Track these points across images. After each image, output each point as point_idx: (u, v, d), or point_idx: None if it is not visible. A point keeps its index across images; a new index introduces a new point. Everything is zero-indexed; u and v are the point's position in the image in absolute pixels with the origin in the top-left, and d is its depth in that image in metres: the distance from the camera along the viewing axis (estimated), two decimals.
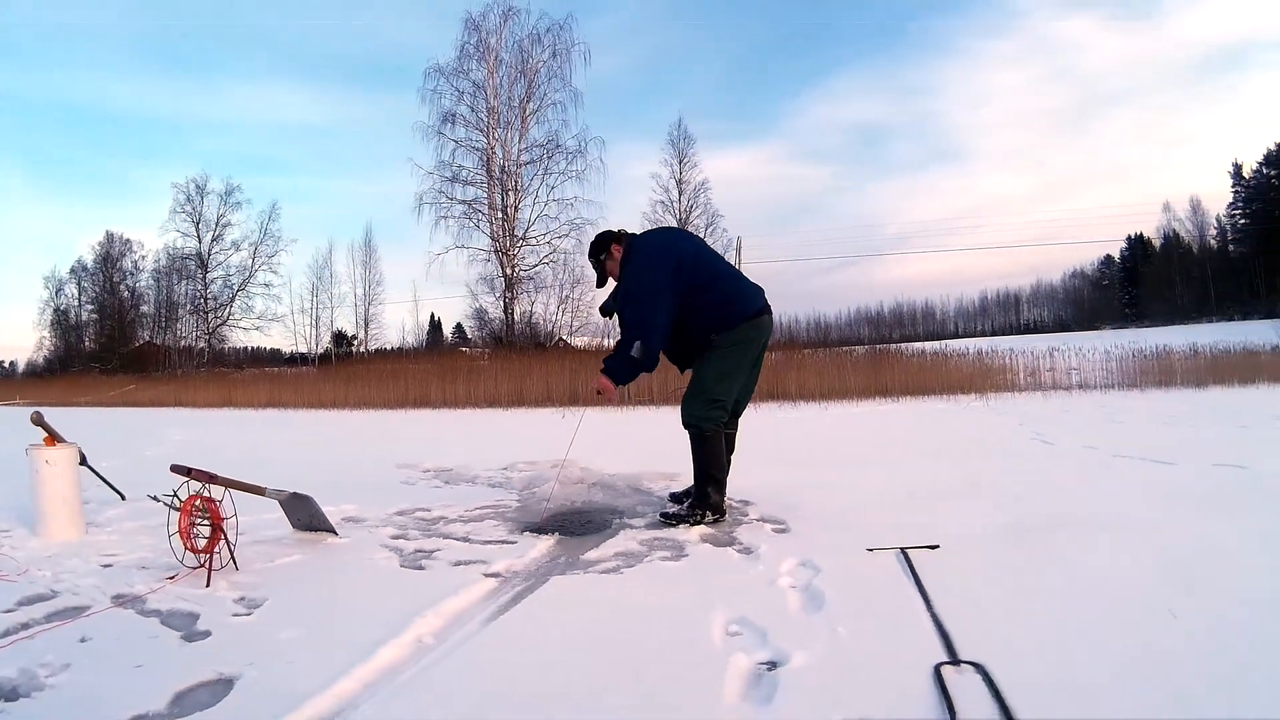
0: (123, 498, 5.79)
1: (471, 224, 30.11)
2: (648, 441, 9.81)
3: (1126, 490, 5.61)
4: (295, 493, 4.57)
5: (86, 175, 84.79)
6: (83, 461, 5.14)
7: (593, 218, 30.01)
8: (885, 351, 21.57)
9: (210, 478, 4.04)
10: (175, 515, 3.88)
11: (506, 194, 29.83)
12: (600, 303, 5.30)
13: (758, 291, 4.98)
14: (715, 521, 4.78)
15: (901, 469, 6.98)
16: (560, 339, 30.83)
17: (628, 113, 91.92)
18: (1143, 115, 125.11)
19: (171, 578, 3.79)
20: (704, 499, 4.82)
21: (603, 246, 5.12)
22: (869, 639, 2.81)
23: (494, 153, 29.95)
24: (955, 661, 2.55)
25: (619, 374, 4.84)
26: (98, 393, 29.73)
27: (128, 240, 51.89)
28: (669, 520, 4.82)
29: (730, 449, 5.12)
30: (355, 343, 50.47)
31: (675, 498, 5.26)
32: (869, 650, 2.70)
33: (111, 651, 2.87)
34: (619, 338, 4.85)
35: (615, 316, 5.06)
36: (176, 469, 4.05)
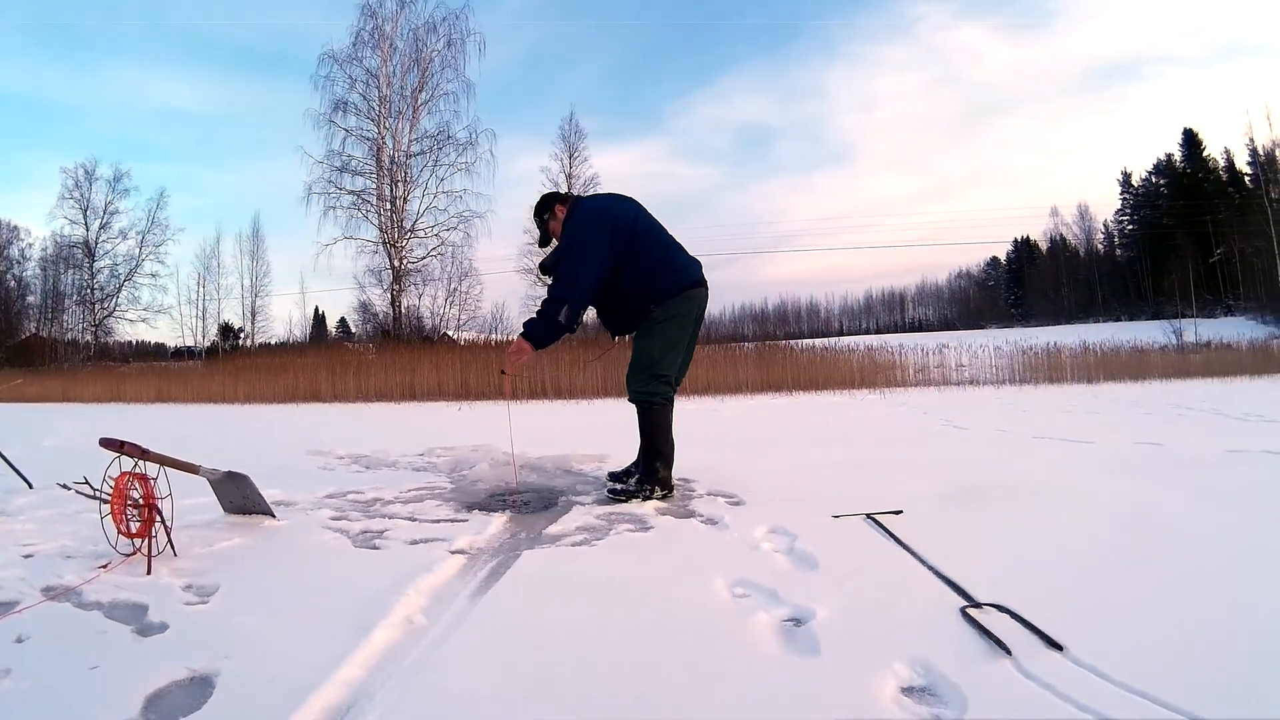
0: (29, 485, 5.14)
1: (360, 215, 29.01)
2: (561, 428, 9.52)
3: (1057, 464, 5.92)
4: (230, 471, 4.11)
5: None
6: None
7: (481, 211, 29.55)
8: (775, 347, 21.74)
9: (144, 453, 3.57)
10: (106, 496, 3.42)
11: (396, 185, 28.80)
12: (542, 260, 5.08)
13: (696, 264, 4.89)
14: (664, 497, 4.69)
15: (829, 450, 7.08)
16: (445, 333, 30.02)
17: (516, 107, 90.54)
18: (1032, 123, 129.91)
19: (104, 566, 3.30)
20: (653, 474, 4.71)
21: (547, 206, 5.00)
22: (880, 592, 2.81)
23: (384, 143, 28.85)
24: (977, 605, 2.59)
25: (540, 338, 4.56)
26: None
27: (15, 227, 48.20)
28: (618, 496, 4.67)
29: (667, 431, 4.86)
30: (242, 335, 48.48)
31: (615, 476, 5.01)
32: (886, 601, 2.70)
33: (57, 651, 2.42)
34: (546, 296, 4.62)
35: (547, 270, 4.90)
36: (107, 443, 3.57)
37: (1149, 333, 27.46)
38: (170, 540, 3.49)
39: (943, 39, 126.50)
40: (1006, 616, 2.46)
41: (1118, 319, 59.04)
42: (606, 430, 6.30)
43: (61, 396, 23.39)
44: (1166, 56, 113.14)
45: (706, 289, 4.93)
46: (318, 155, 28.83)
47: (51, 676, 2.23)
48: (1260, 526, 3.76)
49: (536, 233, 5.16)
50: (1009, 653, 2.18)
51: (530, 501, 4.82)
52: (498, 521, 4.18)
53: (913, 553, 3.28)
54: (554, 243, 4.98)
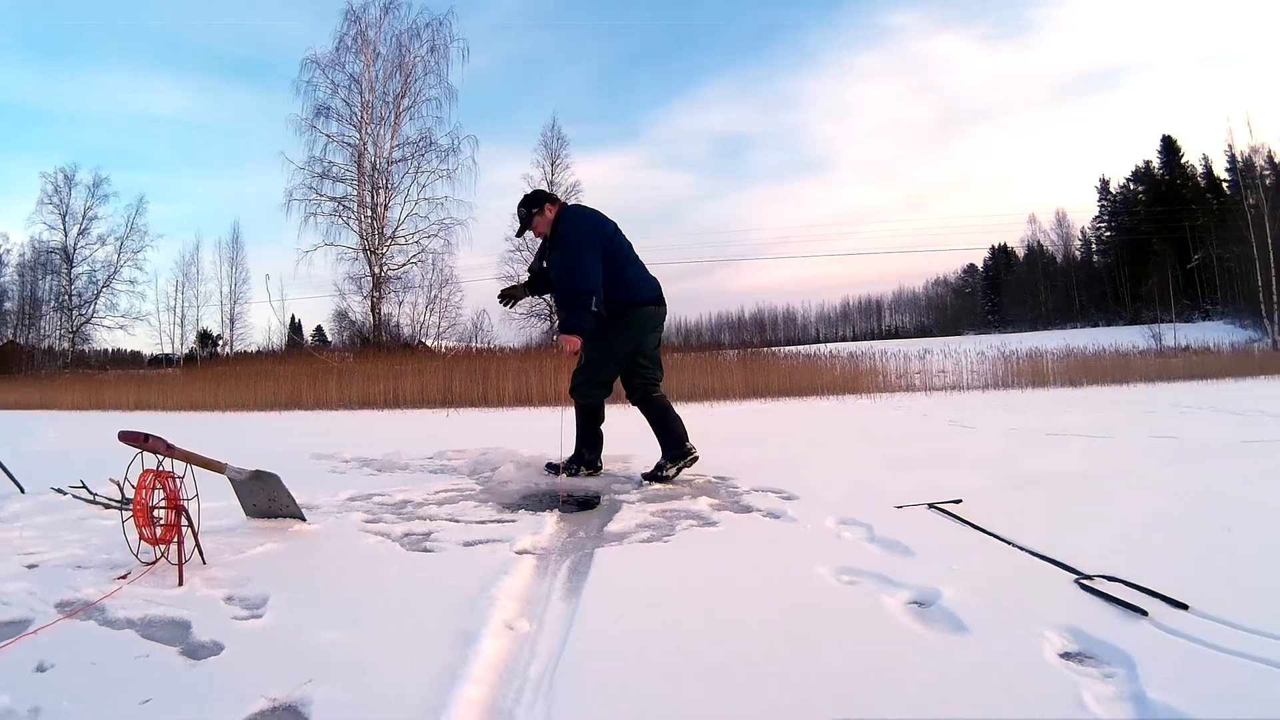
0: (21, 490, 4.60)
1: (340, 221, 27.99)
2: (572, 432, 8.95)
3: (1090, 455, 5.87)
4: (258, 470, 3.58)
5: None
6: None
7: (462, 218, 28.43)
8: (759, 354, 21.33)
9: (169, 449, 3.06)
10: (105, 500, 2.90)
11: (377, 191, 27.92)
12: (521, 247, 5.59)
13: (655, 283, 5.23)
14: (590, 474, 5.25)
15: (851, 449, 6.82)
16: (421, 341, 29.33)
17: (493, 115, 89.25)
18: (1010, 132, 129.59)
19: (123, 577, 2.78)
20: (580, 456, 5.30)
21: (538, 201, 5.22)
22: (989, 572, 2.73)
23: (366, 149, 27.97)
24: (1088, 577, 2.57)
25: (582, 328, 4.86)
26: None
27: None
28: (566, 469, 5.16)
29: (669, 410, 5.26)
30: (221, 343, 47.32)
31: (553, 467, 5.37)
32: (1001, 580, 2.63)
33: (92, 682, 1.92)
34: (558, 294, 5.10)
35: (536, 273, 5.38)
36: (129, 436, 3.04)
37: (1128, 337, 27.54)
38: (199, 546, 2.97)
39: (921, 48, 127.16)
40: (1120, 585, 2.47)
41: (1095, 324, 59.36)
42: (624, 433, 5.92)
43: (39, 404, 22.25)
44: (1143, 65, 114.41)
45: (664, 308, 5.27)
46: (299, 161, 27.87)
47: (93, 716, 1.73)
48: None
49: (516, 241, 5.75)
50: (1145, 614, 2.20)
51: (574, 501, 4.41)
52: (549, 521, 3.76)
53: (998, 537, 3.18)
54: (529, 235, 5.32)
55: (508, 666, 1.94)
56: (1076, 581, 2.54)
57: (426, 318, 30.26)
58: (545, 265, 5.29)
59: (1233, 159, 50.38)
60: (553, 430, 5.78)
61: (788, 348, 25.36)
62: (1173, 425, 8.15)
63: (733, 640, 2.12)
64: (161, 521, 2.88)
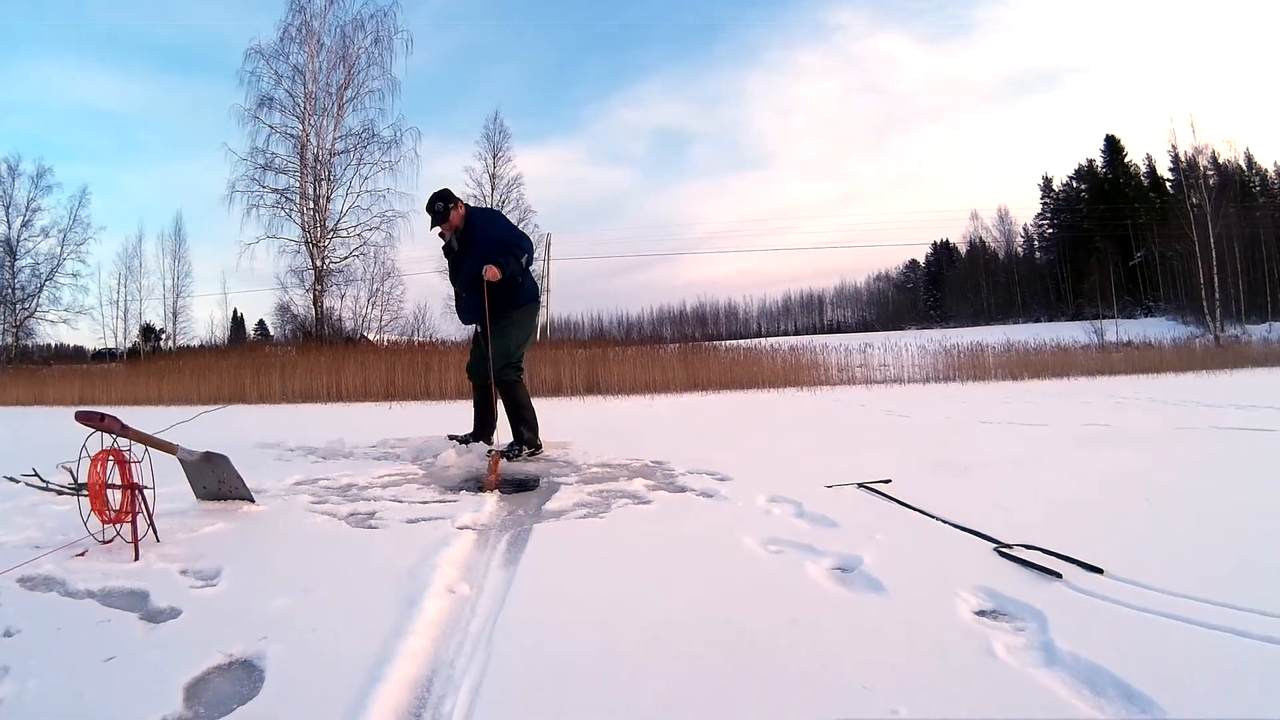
0: None
1: (283, 214, 27.25)
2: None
3: (1021, 441, 6.05)
4: (208, 452, 3.66)
5: None
6: None
7: (404, 210, 27.97)
8: (699, 347, 21.38)
9: (123, 428, 3.14)
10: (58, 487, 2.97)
11: (319, 183, 27.30)
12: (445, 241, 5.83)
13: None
14: (533, 454, 5.51)
15: (786, 435, 7.04)
16: (364, 335, 29.02)
17: (432, 107, 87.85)
18: (952, 130, 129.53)
19: (81, 554, 2.87)
20: (520, 435, 5.59)
21: (452, 197, 5.71)
22: (911, 542, 2.87)
23: (309, 140, 27.25)
24: (1007, 545, 2.71)
25: (511, 272, 5.38)
26: None
27: None
28: (508, 454, 5.36)
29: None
30: (164, 337, 46.10)
31: (458, 438, 5.87)
32: (921, 549, 2.77)
33: (58, 645, 2.03)
34: (507, 253, 5.43)
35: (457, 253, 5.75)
36: (85, 416, 3.11)
37: (1070, 333, 27.88)
38: (153, 524, 3.06)
39: (862, 47, 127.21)
40: (1038, 553, 2.59)
41: (1037, 320, 60.09)
42: (561, 423, 6.11)
43: None
44: (1086, 66, 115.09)
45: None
46: (241, 152, 27.04)
47: (61, 673, 1.85)
48: (1233, 478, 4.28)
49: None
50: (1059, 576, 2.35)
51: (510, 484, 4.51)
52: (490, 501, 3.89)
53: (923, 511, 3.32)
54: (439, 230, 5.74)
55: (449, 624, 2.09)
56: (995, 550, 2.67)
57: (369, 311, 29.81)
58: (459, 257, 5.72)
59: (1176, 159, 51.56)
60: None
61: (729, 341, 25.49)
62: (1107, 415, 8.40)
63: (662, 599, 2.26)
64: (115, 501, 2.97)
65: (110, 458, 3.02)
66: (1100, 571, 2.38)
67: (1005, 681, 1.73)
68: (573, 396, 15.16)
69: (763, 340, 25.42)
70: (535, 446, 5.58)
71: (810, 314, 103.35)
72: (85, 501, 3.01)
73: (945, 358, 20.23)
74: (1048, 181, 75.58)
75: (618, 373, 17.60)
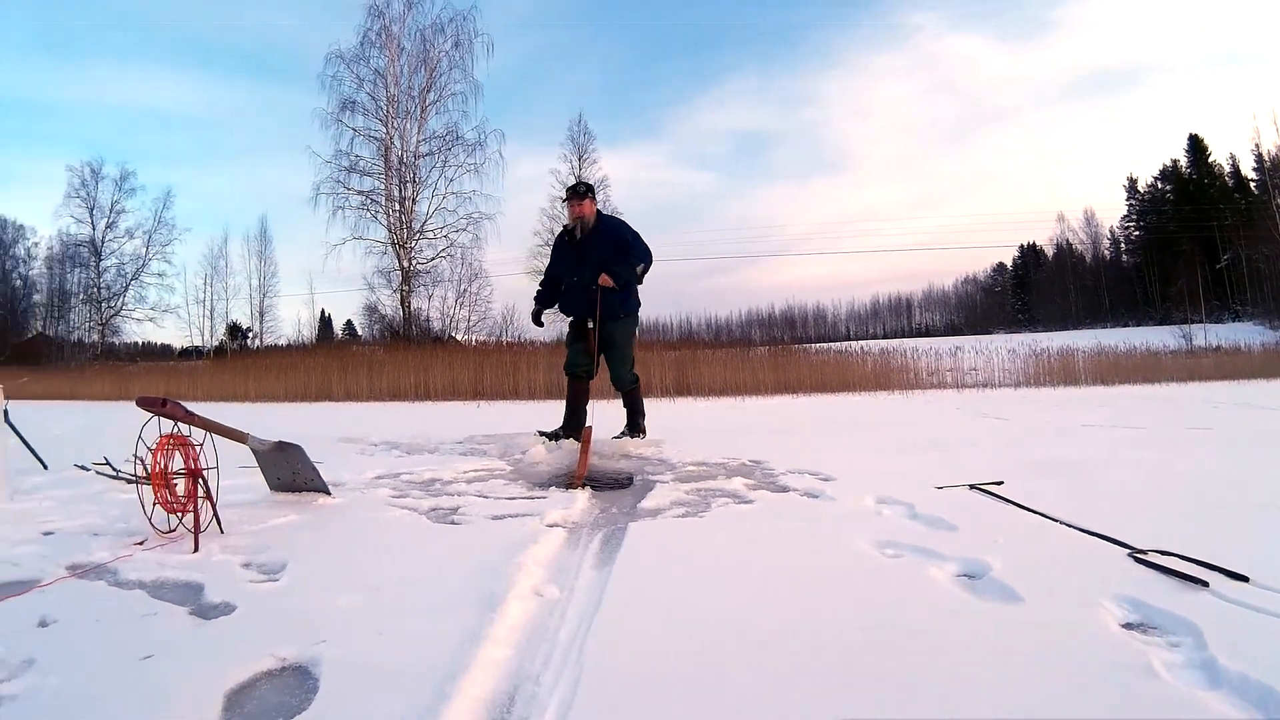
0: (45, 466, 4.54)
1: (369, 215, 27.83)
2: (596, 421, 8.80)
3: (1127, 444, 5.75)
4: (281, 442, 3.50)
5: None
6: (4, 417, 3.98)
7: (490, 212, 28.27)
8: (788, 350, 21.03)
9: (187, 415, 2.97)
10: (130, 476, 2.81)
11: (404, 185, 27.76)
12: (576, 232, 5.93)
13: None
14: (640, 437, 5.93)
15: (882, 438, 6.61)
16: (451, 335, 29.29)
17: (516, 110, 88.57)
18: (1034, 130, 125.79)
19: (139, 543, 2.70)
20: (637, 426, 6.07)
21: (591, 189, 6.07)
22: (1038, 547, 2.62)
23: (392, 143, 27.76)
24: (1142, 551, 2.48)
25: (624, 276, 5.69)
26: None
27: (20, 226, 45.77)
28: (622, 434, 5.93)
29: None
30: (251, 335, 47.27)
31: (547, 434, 5.86)
32: (1050, 554, 2.53)
33: (94, 638, 1.83)
34: (628, 261, 5.72)
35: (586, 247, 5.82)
36: (146, 402, 2.96)
37: (1158, 337, 26.89)
38: (216, 514, 2.87)
39: (940, 47, 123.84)
40: (1175, 558, 2.37)
41: (1125, 324, 57.52)
42: (651, 422, 5.95)
43: (68, 394, 22.34)
44: (1167, 63, 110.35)
45: None
46: (326, 155, 27.65)
47: (89, 669, 1.64)
48: None
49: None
50: (1206, 585, 2.12)
51: (605, 481, 4.29)
52: (581, 498, 3.65)
53: (1045, 514, 3.09)
54: (569, 210, 6.02)
55: (535, 631, 1.83)
56: (1130, 555, 2.45)
57: (456, 311, 30.18)
58: (580, 247, 5.85)
59: (1260, 158, 49.39)
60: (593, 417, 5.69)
61: (818, 344, 25.03)
62: (1207, 419, 8.03)
63: (771, 608, 2.02)
64: (178, 488, 2.80)
65: (173, 443, 2.85)
66: (1246, 580, 2.15)
67: (1174, 705, 1.49)
68: (662, 397, 14.91)
69: (852, 343, 24.86)
70: (643, 433, 6.04)
71: (898, 317, 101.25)
72: (147, 490, 2.83)
73: (1035, 362, 19.54)
74: (1133, 182, 72.29)
75: (707, 374, 17.32)
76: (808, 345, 23.48)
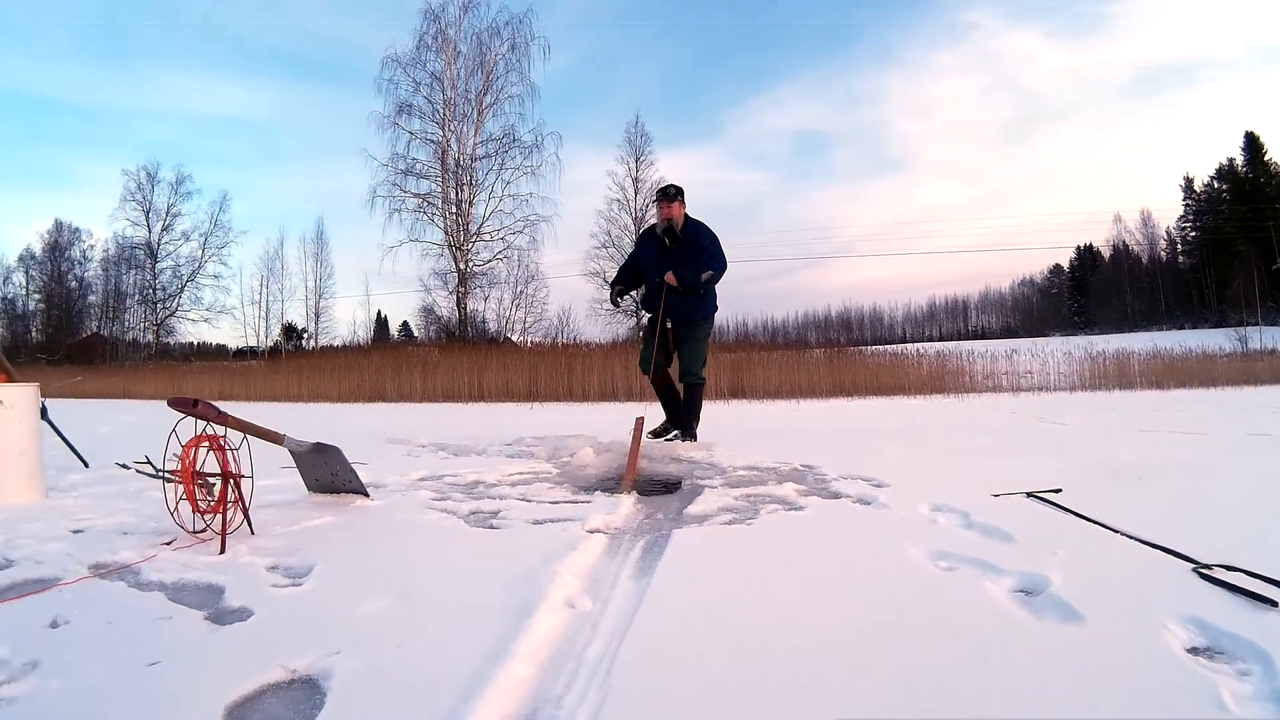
0: (85, 464, 4.57)
1: (425, 218, 28.11)
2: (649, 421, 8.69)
3: (1187, 448, 5.59)
4: (319, 443, 3.45)
5: (33, 163, 77.68)
6: (43, 414, 3.98)
7: (547, 214, 28.44)
8: (844, 352, 20.77)
9: (220, 416, 2.91)
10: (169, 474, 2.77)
11: (460, 188, 27.95)
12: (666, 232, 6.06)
13: None
14: (689, 440, 5.95)
15: (937, 442, 6.46)
16: (506, 336, 29.43)
17: (572, 112, 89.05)
18: (1091, 128, 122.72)
19: (168, 544, 2.66)
20: (690, 426, 6.09)
21: (681, 192, 6.08)
22: (1099, 560, 2.49)
23: (449, 146, 28.01)
24: (1206, 566, 2.34)
25: (693, 281, 5.83)
26: (44, 384, 26.46)
27: (76, 229, 46.90)
28: (667, 434, 6.07)
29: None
30: (306, 336, 48.02)
31: (657, 432, 6.12)
32: (1111, 569, 2.39)
33: (103, 641, 1.77)
34: (701, 267, 5.84)
35: (672, 247, 6.01)
36: (177, 402, 2.91)
37: (1214, 340, 26.19)
38: (247, 516, 2.82)
39: (996, 45, 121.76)
40: (1241, 574, 2.24)
41: (1181, 327, 56.14)
42: (704, 425, 5.89)
43: (121, 393, 23.00)
44: (1223, 60, 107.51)
45: None
46: (382, 158, 28.05)
47: (93, 674, 1.58)
48: None
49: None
50: (1275, 604, 1.99)
51: (650, 486, 4.21)
52: (626, 503, 3.55)
53: (1105, 525, 2.94)
54: (658, 212, 6.07)
55: (562, 647, 1.73)
56: (1195, 571, 2.32)
57: (512, 313, 30.33)
58: (667, 247, 6.02)
59: None
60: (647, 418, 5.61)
61: (874, 347, 24.77)
62: (1265, 424, 7.74)
63: (819, 620, 1.94)
64: (210, 495, 2.75)
65: (206, 444, 2.80)
66: None
67: None
68: (716, 400, 14.72)
69: (908, 346, 24.54)
70: (694, 438, 6.02)
71: (955, 319, 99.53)
72: (175, 490, 2.79)
73: (1090, 365, 19.16)
74: (1189, 182, 70.06)
75: (762, 376, 17.23)
76: (863, 348, 23.20)
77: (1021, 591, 2.20)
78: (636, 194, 33.60)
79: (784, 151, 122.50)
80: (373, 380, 18.49)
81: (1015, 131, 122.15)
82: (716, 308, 6.26)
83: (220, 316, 43.51)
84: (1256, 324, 39.22)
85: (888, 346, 24.69)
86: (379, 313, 53.40)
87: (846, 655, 1.71)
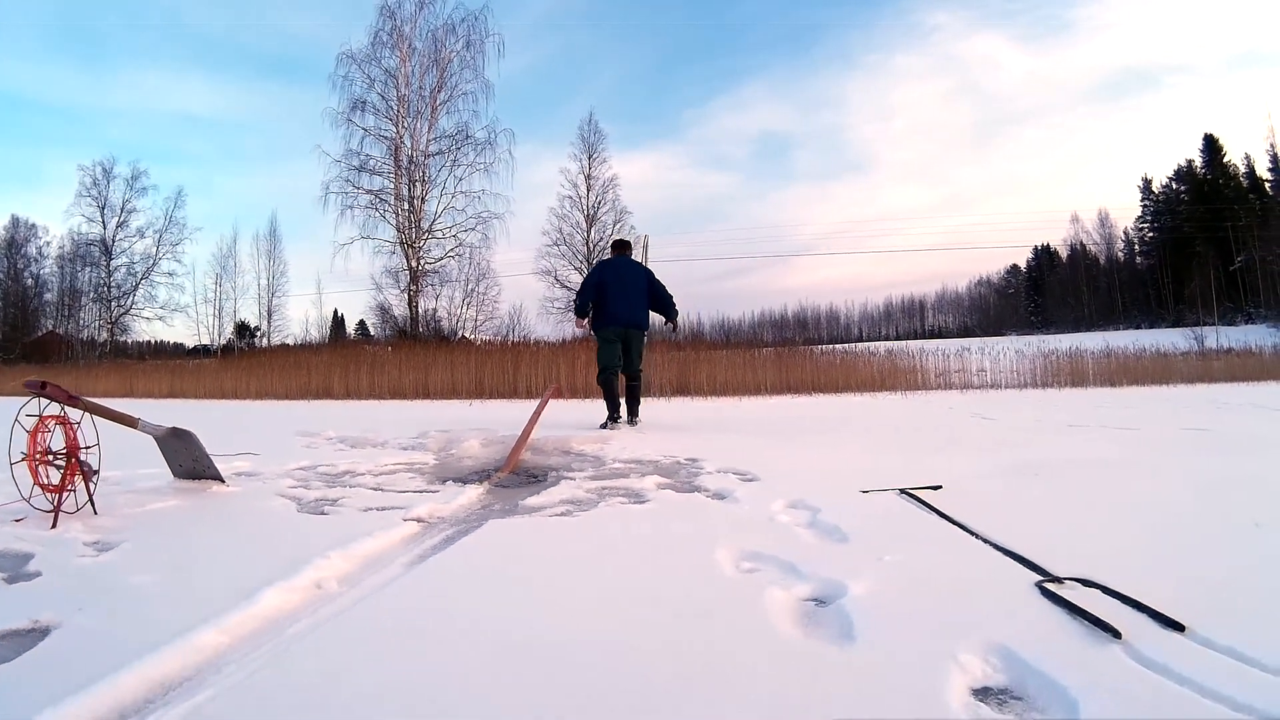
0: None
1: (377, 215, 28.37)
2: (572, 416, 8.81)
3: (1105, 444, 5.58)
4: (175, 428, 3.69)
5: None
6: None
7: (500, 212, 28.81)
8: (793, 350, 21.15)
9: (70, 397, 3.17)
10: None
11: (413, 185, 28.28)
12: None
13: (616, 314, 7.76)
14: (614, 425, 7.41)
15: (851, 438, 6.63)
16: (462, 335, 29.55)
17: (532, 112, 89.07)
18: (1051, 131, 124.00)
19: (18, 521, 2.93)
20: (635, 411, 7.91)
21: (629, 245, 8.73)
22: (928, 567, 2.32)
23: (402, 142, 28.29)
24: (1057, 579, 2.13)
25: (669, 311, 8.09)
26: None
27: (33, 225, 46.71)
28: (618, 421, 7.56)
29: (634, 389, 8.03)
30: (259, 334, 47.83)
31: (603, 425, 7.44)
32: (937, 577, 2.21)
33: None
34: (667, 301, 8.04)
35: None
36: (30, 384, 3.17)
37: (1170, 339, 26.76)
38: (91, 497, 3.07)
39: (960, 48, 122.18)
40: (1098, 592, 2.01)
41: (1138, 326, 56.64)
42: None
43: (73, 390, 22.61)
44: (1184, 65, 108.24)
45: (619, 326, 7.71)
46: (335, 154, 28.31)
47: None
48: None
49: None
50: (1117, 635, 1.70)
51: (520, 476, 4.49)
52: (472, 493, 3.78)
53: (963, 526, 2.83)
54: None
55: (269, 626, 1.91)
56: (1039, 585, 2.09)
57: (464, 311, 30.55)
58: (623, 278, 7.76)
59: (1275, 158, 48.67)
60: (570, 419, 5.81)
61: (825, 345, 25.03)
62: (1206, 420, 7.86)
63: (555, 625, 1.88)
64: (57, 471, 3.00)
65: (54, 423, 3.06)
66: (1181, 629, 1.74)
67: None
68: (659, 398, 14.99)
69: (859, 344, 24.86)
70: (616, 421, 7.53)
71: (911, 319, 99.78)
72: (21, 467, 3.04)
73: (1043, 363, 19.68)
74: (1147, 183, 71.58)
75: (708, 374, 17.48)
76: (813, 346, 23.48)
77: (813, 600, 2.06)
78: (589, 191, 34.03)
79: (746, 153, 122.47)
80: (320, 378, 18.63)
81: (976, 134, 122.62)
82: (649, 320, 8.16)
83: (174, 315, 43.24)
84: (1214, 324, 39.78)
85: (839, 345, 24.91)
86: (335, 311, 53.23)
87: (557, 657, 1.66)
